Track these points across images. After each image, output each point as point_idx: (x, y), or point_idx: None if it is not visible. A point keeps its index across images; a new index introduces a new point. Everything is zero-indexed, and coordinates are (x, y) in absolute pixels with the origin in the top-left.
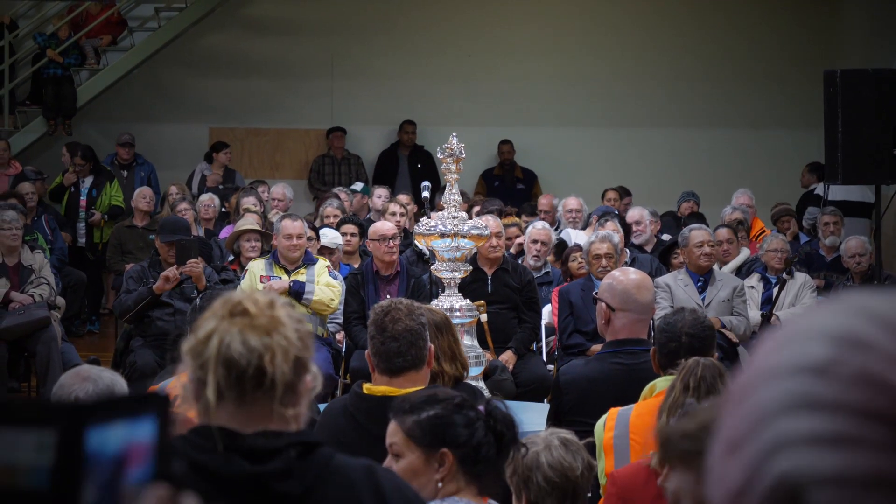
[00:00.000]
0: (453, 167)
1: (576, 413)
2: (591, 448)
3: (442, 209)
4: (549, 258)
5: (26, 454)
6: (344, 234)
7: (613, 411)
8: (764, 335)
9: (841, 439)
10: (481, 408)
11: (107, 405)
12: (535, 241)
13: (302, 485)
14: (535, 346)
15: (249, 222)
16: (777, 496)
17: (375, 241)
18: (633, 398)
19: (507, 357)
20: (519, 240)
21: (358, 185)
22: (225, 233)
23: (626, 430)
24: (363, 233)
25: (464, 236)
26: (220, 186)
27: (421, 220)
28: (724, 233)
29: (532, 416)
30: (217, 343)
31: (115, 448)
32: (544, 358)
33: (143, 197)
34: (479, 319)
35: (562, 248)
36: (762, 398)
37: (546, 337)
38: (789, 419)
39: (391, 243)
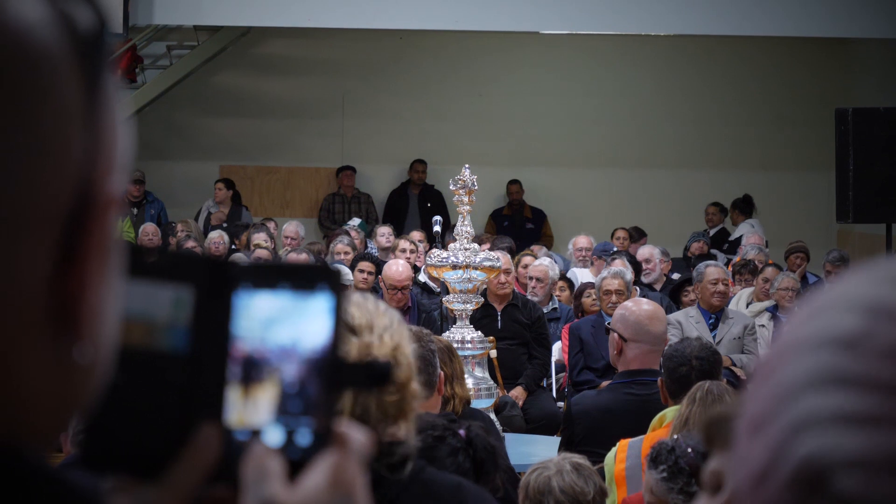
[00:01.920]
0: (465, 199)
1: (587, 443)
2: (603, 474)
3: (454, 241)
4: (559, 294)
5: (163, 310)
6: (361, 272)
7: (624, 442)
8: (794, 311)
9: (871, 418)
10: (462, 432)
11: (261, 268)
12: (531, 278)
13: (387, 496)
14: (545, 383)
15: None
16: (801, 479)
17: (387, 289)
18: (645, 429)
19: (518, 393)
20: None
21: (354, 221)
22: None
23: (638, 461)
24: (379, 271)
25: (476, 268)
26: (225, 224)
27: (433, 251)
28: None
29: (542, 449)
30: None
31: (276, 320)
32: (554, 394)
33: (146, 234)
34: (488, 354)
35: (572, 287)
36: (788, 373)
37: (556, 373)
38: (816, 396)
39: (400, 295)
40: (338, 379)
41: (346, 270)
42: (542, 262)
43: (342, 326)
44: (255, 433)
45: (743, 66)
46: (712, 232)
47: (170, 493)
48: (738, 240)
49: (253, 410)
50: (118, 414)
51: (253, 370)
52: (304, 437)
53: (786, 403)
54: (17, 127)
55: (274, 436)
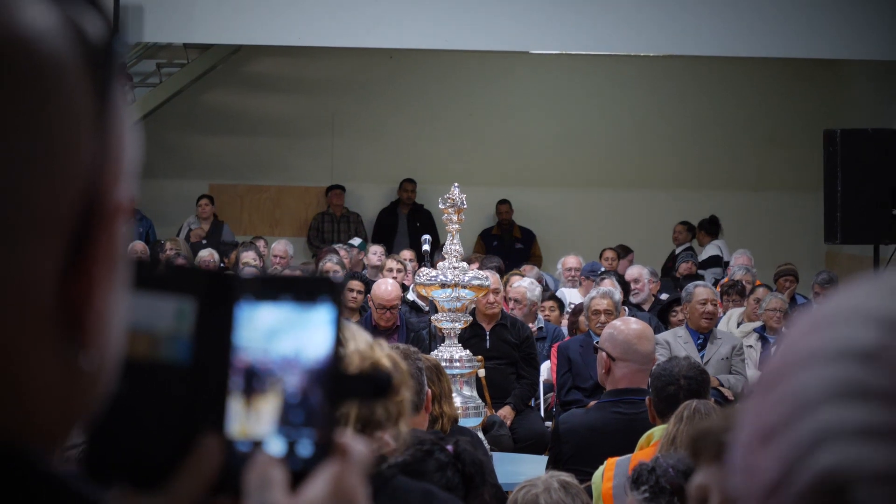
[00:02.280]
0: (454, 218)
1: (575, 461)
2: (591, 492)
3: (443, 260)
4: (548, 315)
5: (166, 321)
6: (350, 291)
7: (611, 461)
8: (794, 318)
9: (893, 432)
10: (450, 447)
11: (263, 280)
12: (509, 299)
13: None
14: (533, 402)
15: None
16: (820, 491)
17: (376, 308)
18: (632, 447)
19: (506, 412)
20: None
21: (356, 241)
22: None
23: (626, 480)
24: (368, 290)
25: (465, 286)
26: (205, 241)
27: (422, 269)
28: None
29: (530, 468)
30: None
31: (278, 331)
32: (542, 414)
33: (134, 252)
34: (477, 374)
35: (561, 307)
36: (802, 384)
37: (544, 393)
38: (834, 408)
39: (389, 314)
40: (339, 390)
41: None
42: (520, 284)
43: (343, 338)
44: (257, 444)
45: (732, 87)
46: (678, 250)
47: (172, 501)
48: (708, 260)
49: (255, 421)
50: (121, 424)
51: (255, 381)
52: (305, 448)
53: (802, 414)
54: (26, 133)
55: (276, 446)
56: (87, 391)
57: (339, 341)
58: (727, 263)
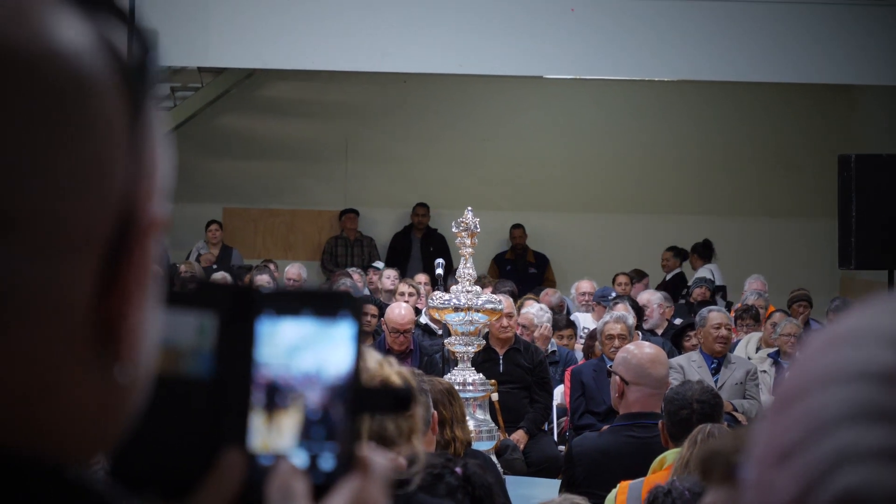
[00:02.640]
0: (468, 241)
1: (588, 485)
2: None
3: (456, 284)
4: (564, 342)
5: (188, 336)
6: (364, 315)
7: (624, 484)
8: (809, 336)
9: None
10: (459, 470)
11: (284, 295)
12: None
13: None
14: (546, 426)
15: None
16: None
17: (389, 332)
18: (645, 471)
19: (519, 436)
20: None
21: (380, 264)
22: None
23: (638, 503)
24: (382, 314)
25: (478, 310)
26: (215, 266)
27: (435, 293)
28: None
29: (543, 492)
30: None
31: (299, 347)
32: (556, 438)
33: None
34: (490, 397)
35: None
36: (820, 404)
37: (558, 417)
38: (854, 429)
39: (402, 338)
40: (360, 404)
41: None
42: (528, 311)
43: (363, 353)
44: (279, 458)
45: (746, 111)
46: (668, 276)
47: None
48: (696, 282)
49: (277, 436)
50: (144, 438)
51: (277, 396)
52: (327, 462)
53: (820, 435)
54: (63, 151)
55: (297, 460)
56: (121, 405)
57: (360, 355)
58: (719, 287)
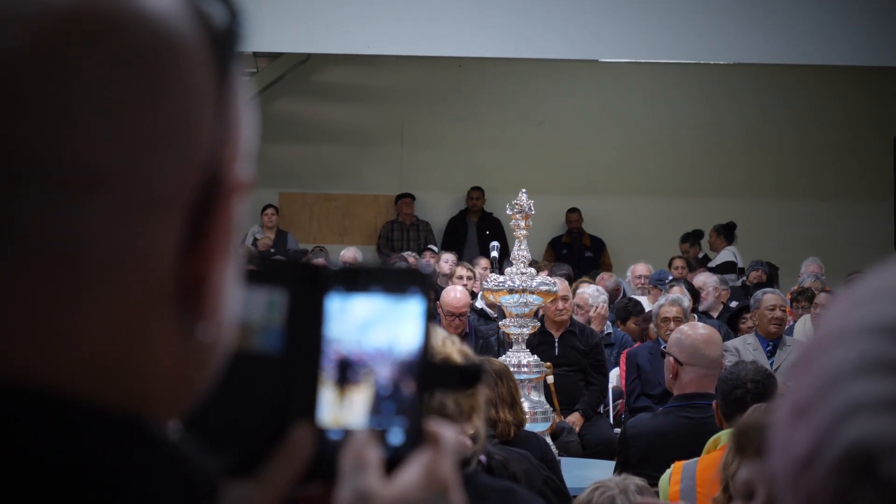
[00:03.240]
0: (522, 224)
1: (643, 466)
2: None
3: (511, 266)
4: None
5: (258, 313)
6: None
7: (678, 465)
8: (834, 299)
9: None
10: (483, 458)
11: (353, 271)
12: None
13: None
14: (602, 409)
15: None
16: (848, 464)
17: (445, 315)
18: (699, 451)
19: (574, 419)
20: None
21: (434, 248)
22: None
23: (693, 483)
24: (437, 296)
25: (532, 292)
26: (273, 250)
27: (490, 276)
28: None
29: (599, 473)
30: None
31: (369, 323)
32: (611, 421)
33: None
34: (545, 380)
35: (625, 313)
36: (832, 360)
37: (613, 400)
38: (863, 382)
39: (458, 321)
40: (429, 380)
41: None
42: (584, 291)
43: (430, 327)
44: (349, 433)
45: (801, 94)
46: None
47: (265, 490)
48: (722, 265)
49: (347, 411)
50: (215, 412)
51: (348, 371)
52: (396, 437)
53: (832, 389)
54: (150, 110)
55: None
56: (203, 364)
57: (429, 331)
58: (741, 269)
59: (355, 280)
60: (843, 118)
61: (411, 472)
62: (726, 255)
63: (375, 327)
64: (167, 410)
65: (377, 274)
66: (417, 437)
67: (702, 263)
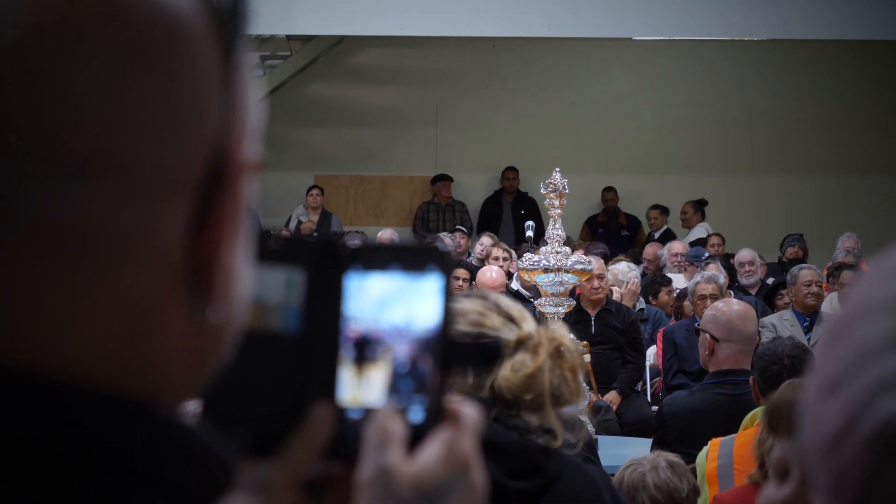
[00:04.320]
0: (556, 202)
1: (680, 443)
2: (695, 473)
3: (545, 245)
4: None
5: (276, 292)
6: (456, 279)
7: (715, 441)
8: (865, 271)
9: None
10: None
11: (372, 249)
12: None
13: (557, 468)
14: (639, 387)
15: None
16: (881, 440)
17: None
18: (737, 428)
19: (612, 397)
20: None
21: (463, 228)
22: None
23: (730, 460)
24: (473, 277)
25: (567, 271)
26: (316, 233)
27: (524, 255)
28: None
29: (636, 451)
30: None
31: (388, 301)
32: (649, 398)
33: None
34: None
35: (653, 288)
36: (864, 335)
37: (651, 378)
38: (894, 357)
39: None
40: (449, 358)
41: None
42: (615, 267)
43: (452, 306)
44: (369, 411)
45: (841, 70)
46: (657, 235)
47: (284, 470)
48: (696, 242)
49: (366, 389)
50: (232, 393)
51: (366, 349)
52: (416, 415)
53: (864, 364)
54: (158, 94)
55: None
56: (214, 346)
57: (448, 309)
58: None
59: (373, 258)
60: (878, 94)
61: (432, 450)
62: (699, 231)
63: (394, 305)
64: (178, 393)
65: (395, 251)
66: (438, 415)
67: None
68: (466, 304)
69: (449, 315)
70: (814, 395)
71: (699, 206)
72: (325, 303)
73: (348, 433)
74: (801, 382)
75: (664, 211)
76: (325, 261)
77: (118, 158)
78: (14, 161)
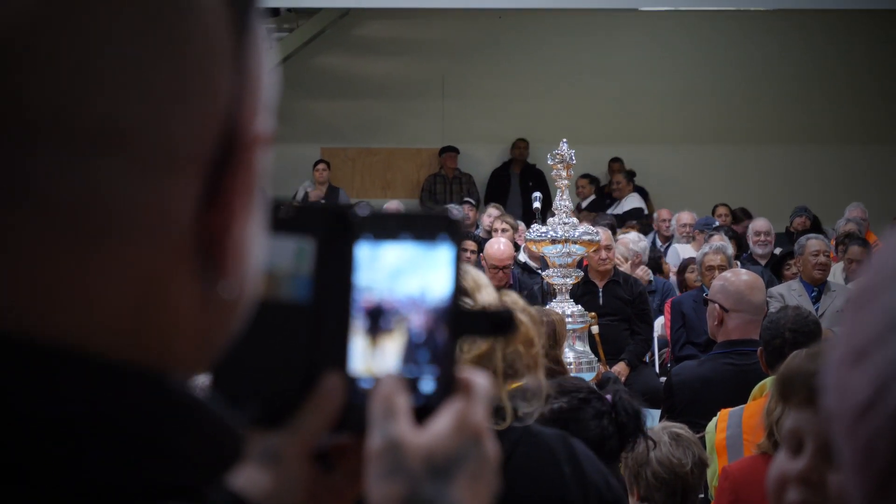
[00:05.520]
0: (563, 173)
1: (688, 413)
2: (705, 443)
3: (553, 216)
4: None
5: (286, 261)
6: (464, 250)
7: (724, 412)
8: (889, 235)
9: None
10: (609, 396)
11: (382, 217)
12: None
13: (508, 447)
14: (647, 358)
15: None
16: None
17: (489, 268)
18: (745, 398)
19: (620, 369)
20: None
21: (471, 200)
22: None
23: (739, 431)
24: (481, 249)
25: (575, 242)
26: (323, 200)
27: (532, 226)
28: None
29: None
30: None
31: (400, 270)
32: (657, 370)
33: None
34: (590, 330)
35: (655, 263)
36: (891, 303)
37: (659, 349)
38: None
39: (501, 273)
40: (460, 327)
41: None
42: (624, 237)
43: (460, 274)
44: (378, 380)
45: (846, 39)
46: (584, 204)
47: (295, 439)
48: (630, 212)
49: (380, 359)
50: (243, 363)
51: (380, 319)
52: (428, 385)
53: (892, 332)
54: (170, 68)
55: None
56: (225, 321)
57: (459, 278)
58: (648, 216)
59: (384, 226)
60: (880, 62)
61: (443, 421)
62: (633, 200)
63: (406, 275)
64: (188, 366)
65: (406, 220)
66: (449, 386)
67: (747, 216)
68: None
69: (459, 284)
70: (839, 363)
71: (630, 177)
72: (335, 272)
73: (360, 404)
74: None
75: (593, 180)
76: (335, 229)
77: (128, 133)
78: (24, 134)
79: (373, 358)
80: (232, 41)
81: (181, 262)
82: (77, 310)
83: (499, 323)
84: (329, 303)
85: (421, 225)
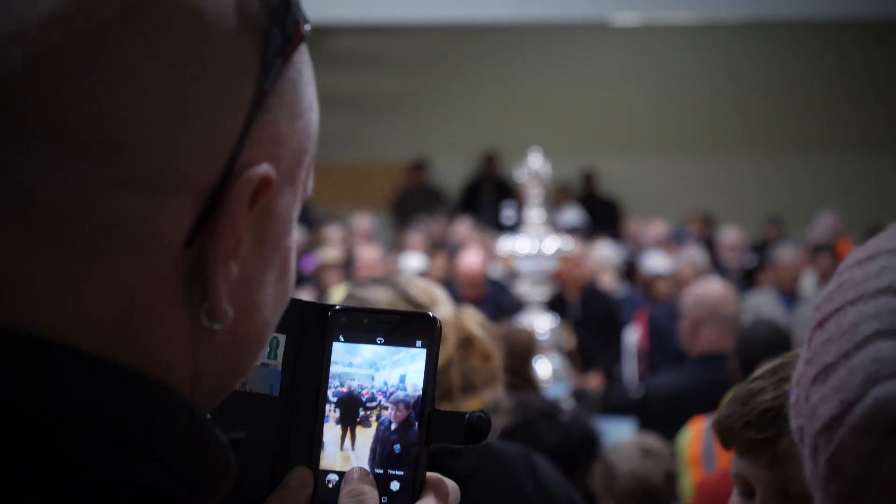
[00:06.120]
0: (535, 187)
1: (662, 425)
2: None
3: (525, 229)
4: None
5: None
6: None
7: (697, 421)
8: (848, 255)
9: None
10: (565, 419)
11: (359, 313)
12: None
13: (469, 464)
14: (622, 369)
15: (334, 255)
16: (875, 423)
17: (460, 280)
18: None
19: (594, 380)
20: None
21: (442, 212)
22: (307, 263)
23: (713, 442)
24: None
25: (546, 255)
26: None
27: (504, 239)
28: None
29: (619, 433)
30: None
31: (373, 366)
32: (635, 379)
33: None
34: (564, 342)
35: (628, 271)
36: (854, 319)
37: (632, 361)
38: (885, 340)
39: (473, 287)
40: (433, 430)
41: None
42: (594, 248)
43: (436, 376)
44: (347, 473)
45: (819, 51)
46: (560, 216)
47: None
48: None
49: (349, 453)
50: None
51: (348, 415)
52: (396, 484)
53: (855, 348)
54: (169, 87)
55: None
56: (223, 357)
57: (433, 380)
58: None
59: (360, 321)
60: (852, 72)
61: None
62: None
63: (378, 371)
64: (176, 386)
65: (384, 318)
66: (419, 487)
67: (713, 223)
68: (375, 294)
69: (432, 385)
70: (807, 380)
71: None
72: (307, 365)
73: (328, 498)
74: (753, 388)
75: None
76: (309, 323)
77: (118, 146)
78: (17, 137)
79: (343, 451)
80: (255, 75)
81: (164, 283)
82: (56, 312)
83: (474, 430)
84: (299, 396)
85: (398, 325)
